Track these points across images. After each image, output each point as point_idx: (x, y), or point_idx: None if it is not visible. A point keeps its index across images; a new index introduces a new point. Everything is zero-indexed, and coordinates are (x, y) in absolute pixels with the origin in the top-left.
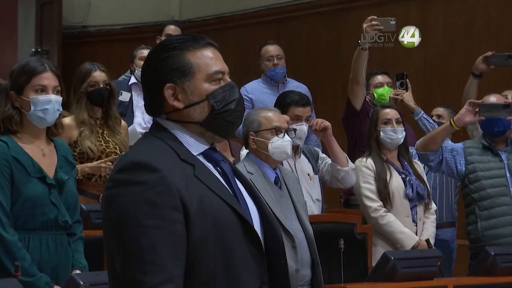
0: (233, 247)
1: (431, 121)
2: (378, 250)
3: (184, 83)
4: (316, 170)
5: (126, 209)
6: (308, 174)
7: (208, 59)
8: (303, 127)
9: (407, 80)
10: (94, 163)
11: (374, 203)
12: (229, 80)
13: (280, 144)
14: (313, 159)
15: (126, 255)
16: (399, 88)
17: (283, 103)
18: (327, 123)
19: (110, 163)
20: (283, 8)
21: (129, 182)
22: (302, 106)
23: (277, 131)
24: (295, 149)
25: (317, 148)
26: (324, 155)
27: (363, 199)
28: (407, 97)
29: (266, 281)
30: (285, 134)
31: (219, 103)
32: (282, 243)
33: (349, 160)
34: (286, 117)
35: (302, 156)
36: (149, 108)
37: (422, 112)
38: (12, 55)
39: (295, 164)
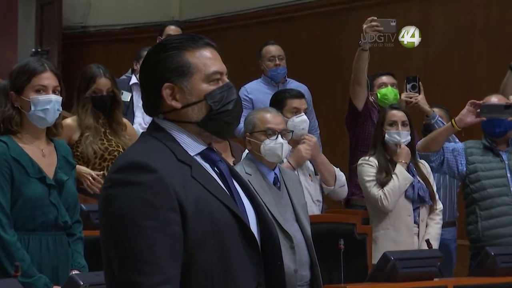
0: (230, 247)
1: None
2: (378, 250)
3: (182, 83)
4: (316, 171)
5: (123, 209)
6: (310, 175)
7: (207, 59)
8: (303, 117)
9: (420, 83)
10: (83, 170)
11: (379, 191)
12: (227, 80)
13: (272, 146)
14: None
15: (123, 256)
16: (410, 91)
17: (279, 99)
18: (312, 142)
19: (94, 179)
20: (283, 8)
21: (127, 182)
22: (298, 98)
23: (269, 133)
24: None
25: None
26: None
27: (369, 192)
28: (422, 100)
29: (262, 281)
30: (279, 136)
31: (217, 103)
32: (279, 244)
33: (337, 178)
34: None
35: None
36: (147, 108)
37: (437, 115)
38: (12, 55)
39: None
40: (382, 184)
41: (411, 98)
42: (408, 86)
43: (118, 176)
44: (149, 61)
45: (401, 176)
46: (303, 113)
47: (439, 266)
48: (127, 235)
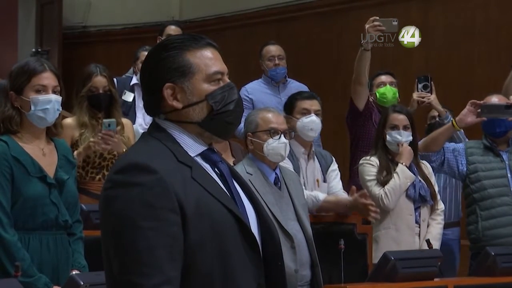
0: (230, 248)
1: None
2: (379, 250)
3: (183, 83)
4: (325, 179)
5: (123, 210)
6: (317, 180)
7: (208, 59)
8: (312, 118)
9: (432, 82)
10: (85, 144)
11: (380, 190)
12: (228, 80)
13: (276, 146)
14: (325, 168)
15: (123, 257)
16: (421, 91)
17: (290, 101)
18: (373, 213)
19: (99, 137)
20: (283, 8)
21: (127, 183)
22: (309, 99)
23: (272, 132)
24: (309, 150)
25: (333, 157)
26: (335, 167)
27: (370, 191)
28: (434, 100)
29: (263, 282)
30: (282, 136)
31: (218, 103)
32: (279, 244)
33: None
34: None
35: (316, 161)
36: (148, 108)
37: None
38: (12, 55)
39: (306, 167)
40: (382, 183)
41: (423, 98)
42: (420, 85)
43: (119, 177)
44: (150, 61)
45: (402, 174)
46: (313, 114)
47: (442, 265)
48: (127, 236)
